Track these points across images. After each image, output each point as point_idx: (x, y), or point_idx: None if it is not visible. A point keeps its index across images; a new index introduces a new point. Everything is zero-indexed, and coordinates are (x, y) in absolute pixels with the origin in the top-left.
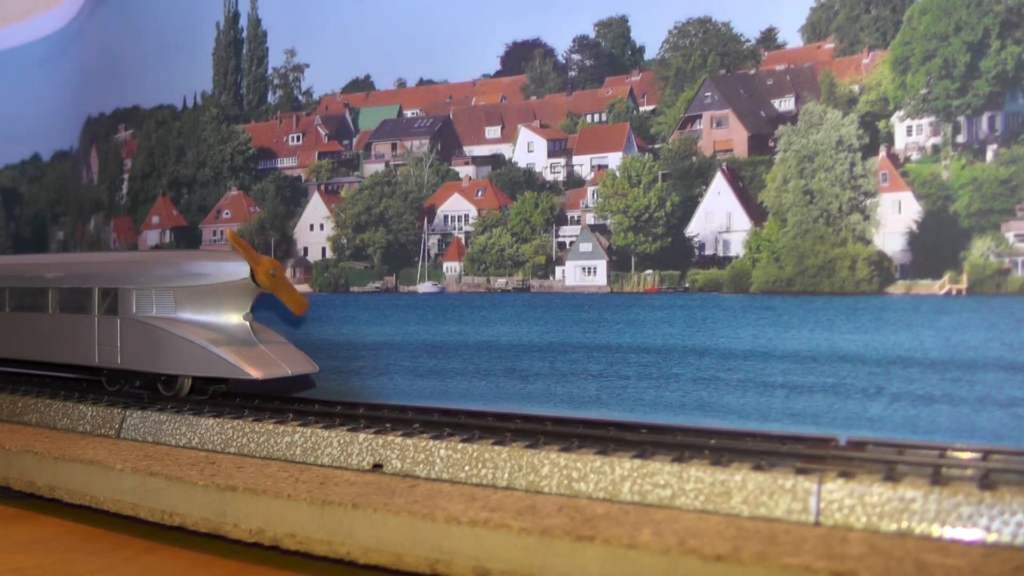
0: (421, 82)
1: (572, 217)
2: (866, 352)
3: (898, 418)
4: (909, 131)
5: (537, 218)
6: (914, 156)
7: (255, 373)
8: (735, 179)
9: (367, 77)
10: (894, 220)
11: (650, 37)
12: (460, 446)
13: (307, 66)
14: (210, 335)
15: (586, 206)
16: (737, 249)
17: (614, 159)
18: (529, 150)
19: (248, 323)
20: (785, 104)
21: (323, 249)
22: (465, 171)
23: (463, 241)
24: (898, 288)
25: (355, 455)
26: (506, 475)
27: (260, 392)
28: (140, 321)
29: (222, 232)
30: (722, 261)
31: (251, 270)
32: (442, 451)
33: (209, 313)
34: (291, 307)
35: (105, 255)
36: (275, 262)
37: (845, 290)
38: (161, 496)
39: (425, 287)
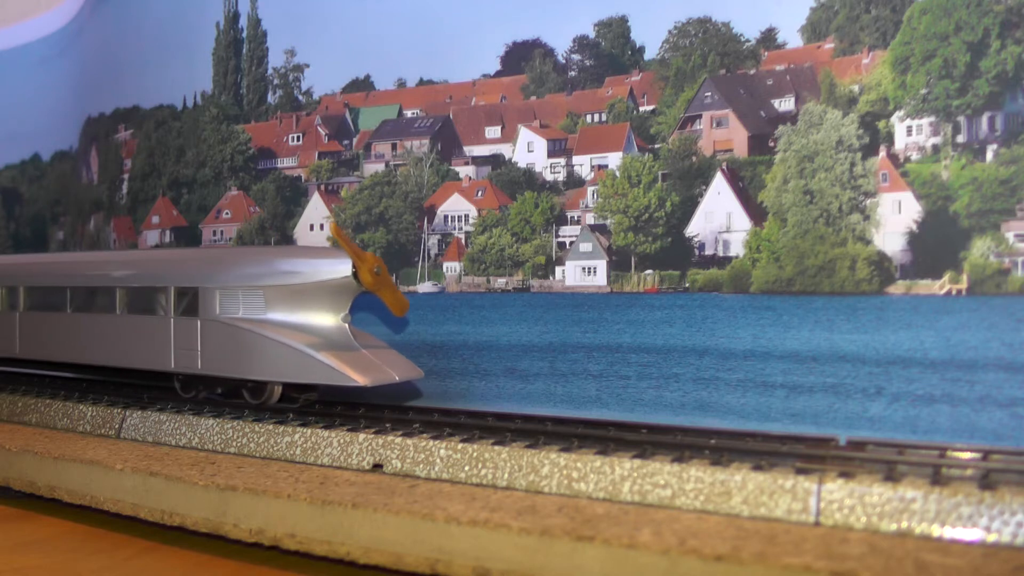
0: (421, 82)
1: (572, 217)
2: (866, 352)
3: (898, 418)
4: (909, 131)
5: (537, 218)
6: (914, 156)
7: (362, 379)
8: (735, 179)
9: (367, 77)
10: (894, 220)
11: (650, 37)
12: (460, 446)
13: (307, 66)
14: (308, 338)
15: (586, 206)
16: (737, 249)
17: (614, 159)
18: (529, 150)
19: (347, 325)
20: (785, 104)
21: None
22: (465, 171)
23: (463, 241)
24: (898, 288)
25: (355, 455)
26: (506, 475)
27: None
28: (225, 323)
29: (223, 232)
30: (722, 261)
31: (353, 268)
32: (442, 451)
33: (303, 314)
34: (392, 308)
35: (182, 251)
36: (378, 259)
37: (845, 290)
38: (161, 496)
39: (425, 287)
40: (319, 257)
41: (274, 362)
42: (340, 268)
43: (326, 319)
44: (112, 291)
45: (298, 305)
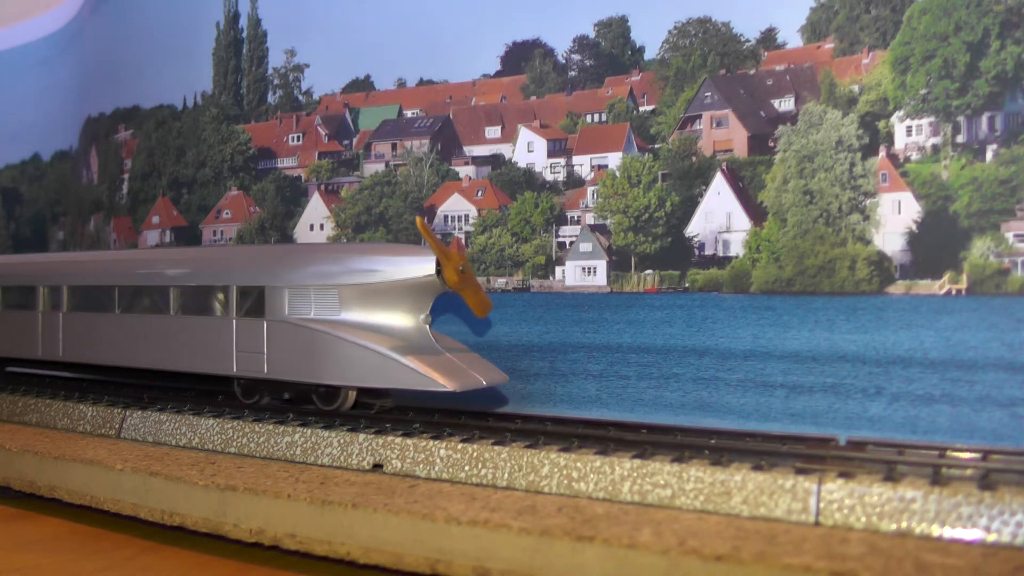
0: (421, 82)
1: (572, 217)
2: (866, 352)
3: (898, 418)
4: (909, 131)
5: (537, 218)
6: (914, 156)
7: (450, 384)
8: (735, 179)
9: (367, 77)
10: (894, 220)
11: (650, 37)
12: (460, 446)
13: (307, 66)
14: (389, 341)
15: (586, 206)
16: (737, 249)
17: (614, 159)
18: (529, 150)
19: (428, 327)
20: (785, 104)
21: None
22: (465, 171)
23: (463, 241)
24: (898, 288)
25: (355, 455)
26: (506, 475)
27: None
28: (295, 324)
29: (223, 232)
30: (722, 261)
31: (438, 266)
32: (442, 451)
33: (381, 315)
34: (474, 309)
35: (244, 248)
36: (463, 256)
37: (845, 290)
38: (161, 496)
39: None
40: (400, 254)
41: (352, 366)
42: (423, 266)
43: (405, 320)
44: (166, 290)
45: (376, 305)
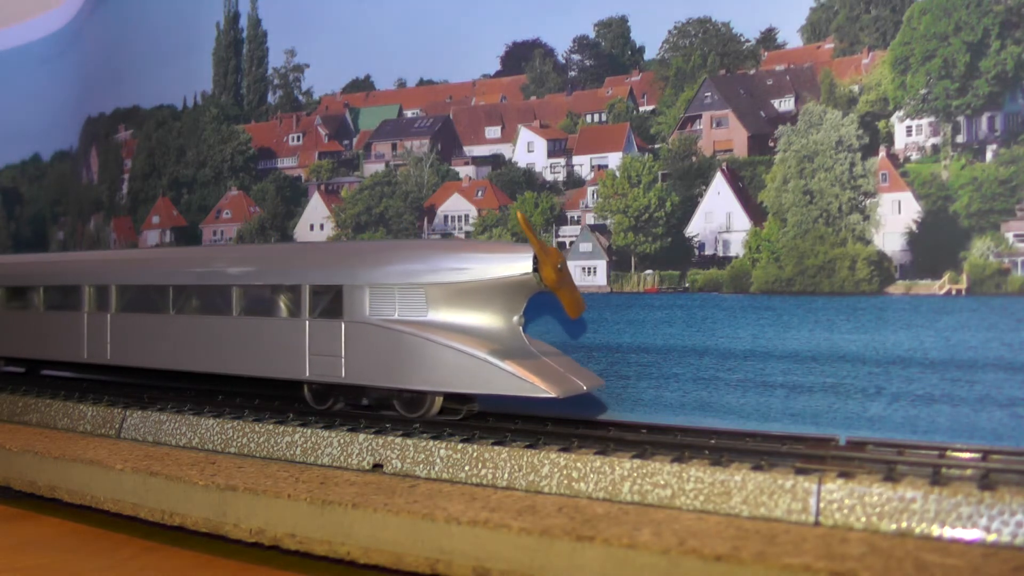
0: (421, 82)
1: (572, 217)
2: (866, 352)
3: (898, 418)
4: (909, 131)
5: (537, 218)
6: (914, 156)
7: (553, 391)
8: (735, 179)
9: (367, 77)
10: (894, 220)
11: (650, 37)
12: (460, 446)
13: (307, 66)
14: (484, 344)
15: (586, 206)
16: (737, 249)
17: (614, 159)
18: (529, 150)
19: (521, 329)
20: (785, 104)
21: None
22: (465, 171)
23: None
24: (898, 288)
25: (355, 455)
26: (506, 475)
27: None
28: (378, 326)
29: (223, 232)
30: (722, 261)
31: (535, 263)
32: (442, 451)
33: (472, 316)
34: (568, 309)
35: (317, 245)
36: (561, 254)
37: (845, 290)
38: (161, 496)
39: None
40: (493, 251)
41: (443, 371)
42: (520, 264)
43: (497, 321)
44: (227, 290)
45: (465, 305)
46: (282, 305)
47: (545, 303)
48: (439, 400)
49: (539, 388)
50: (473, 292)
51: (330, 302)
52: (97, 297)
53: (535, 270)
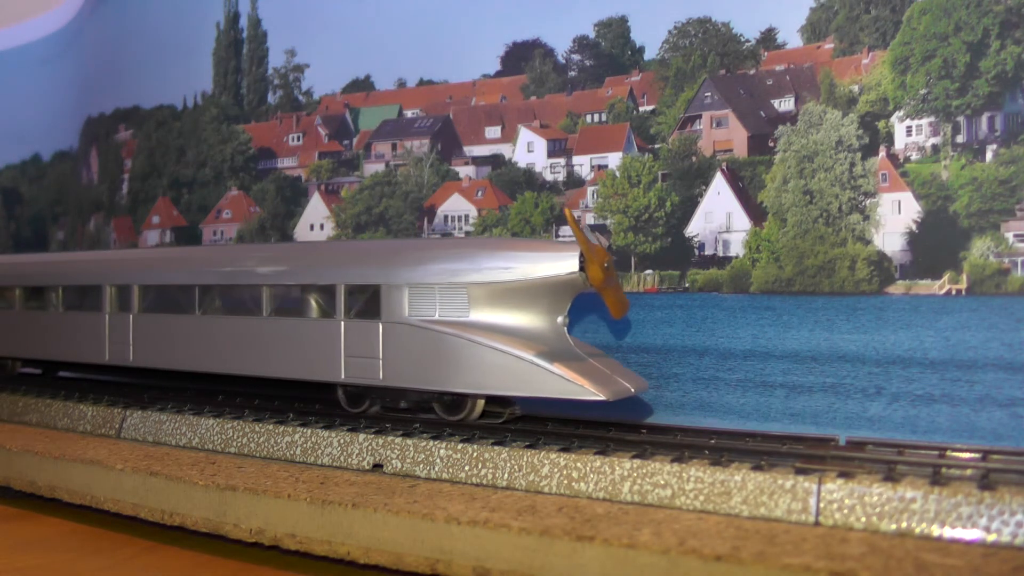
0: (421, 82)
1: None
2: (866, 352)
3: (898, 418)
4: (909, 131)
5: (537, 218)
6: (914, 156)
7: (603, 393)
8: (735, 179)
9: (367, 77)
10: (894, 220)
11: (650, 37)
12: (460, 446)
13: (307, 66)
14: (529, 345)
15: (586, 206)
16: (737, 249)
17: (614, 159)
18: (529, 150)
19: (566, 329)
20: (785, 104)
21: None
22: (465, 171)
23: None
24: (898, 288)
25: (355, 455)
26: (506, 475)
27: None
28: (418, 327)
29: (223, 232)
30: (722, 261)
31: (581, 262)
32: (442, 451)
33: (515, 316)
34: (612, 309)
35: (353, 244)
36: (607, 252)
37: (845, 290)
38: (161, 496)
39: None
40: (538, 250)
41: (487, 373)
42: (566, 263)
43: (541, 322)
44: (257, 290)
45: (508, 306)
46: (315, 305)
47: None
48: (481, 403)
49: (588, 391)
50: (517, 292)
51: (367, 302)
52: (119, 297)
53: (581, 269)
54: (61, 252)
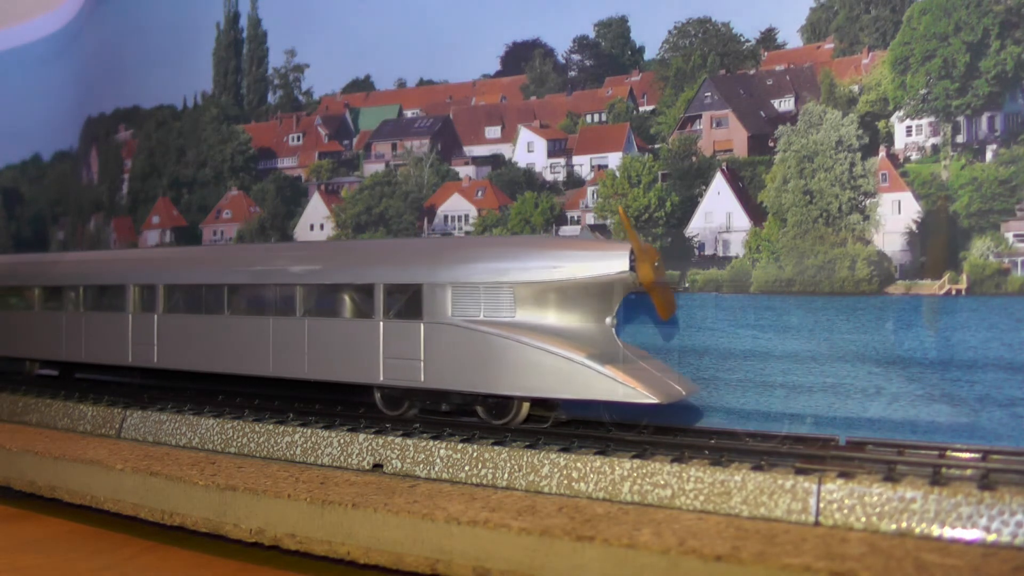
0: (421, 82)
1: (572, 217)
2: (866, 352)
3: (898, 418)
4: (909, 131)
5: (537, 218)
6: (914, 156)
7: (656, 396)
8: (735, 179)
9: (367, 77)
10: (894, 220)
11: (650, 37)
12: (460, 446)
13: (307, 66)
14: (579, 347)
15: (586, 206)
16: (737, 249)
17: (614, 159)
18: (529, 150)
19: (614, 331)
20: (785, 104)
21: None
22: (465, 171)
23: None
24: (898, 288)
25: (355, 455)
26: (506, 475)
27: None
28: (462, 327)
29: (223, 232)
30: (722, 261)
31: (632, 261)
32: (442, 451)
33: (562, 317)
34: (660, 310)
35: (391, 242)
36: (657, 251)
37: (845, 290)
38: (162, 496)
39: None
40: (587, 248)
41: (534, 375)
42: (616, 261)
43: (588, 323)
44: (290, 289)
45: (556, 306)
46: (352, 305)
47: None
48: (527, 406)
49: (642, 394)
50: (565, 291)
51: (408, 302)
52: (143, 297)
53: (632, 268)
54: (82, 251)
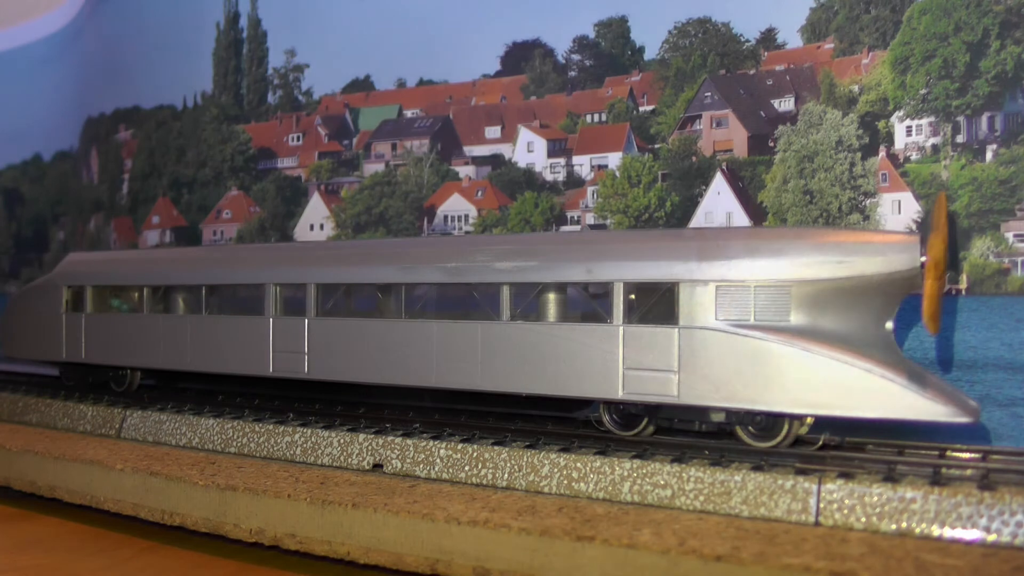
0: (421, 82)
1: (572, 217)
2: None
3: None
4: (909, 131)
5: (537, 218)
6: (914, 156)
7: (966, 415)
8: (735, 179)
9: (367, 77)
10: (894, 220)
11: (650, 37)
12: (460, 446)
13: (307, 66)
14: (871, 358)
15: (586, 206)
16: None
17: (614, 159)
18: (529, 150)
19: (893, 337)
20: (785, 104)
21: None
22: (465, 171)
23: None
24: None
25: (355, 455)
26: (506, 475)
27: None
28: (730, 334)
29: (223, 232)
30: None
31: (923, 255)
32: (442, 451)
33: (841, 321)
34: (927, 318)
35: (630, 233)
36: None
37: None
38: (161, 496)
39: None
40: (873, 240)
41: (821, 390)
42: (907, 256)
43: (868, 328)
44: (495, 288)
45: (835, 308)
46: (579, 308)
47: None
48: (796, 425)
49: (955, 412)
50: (847, 291)
51: (656, 304)
52: (287, 298)
53: (923, 265)
54: (205, 246)
